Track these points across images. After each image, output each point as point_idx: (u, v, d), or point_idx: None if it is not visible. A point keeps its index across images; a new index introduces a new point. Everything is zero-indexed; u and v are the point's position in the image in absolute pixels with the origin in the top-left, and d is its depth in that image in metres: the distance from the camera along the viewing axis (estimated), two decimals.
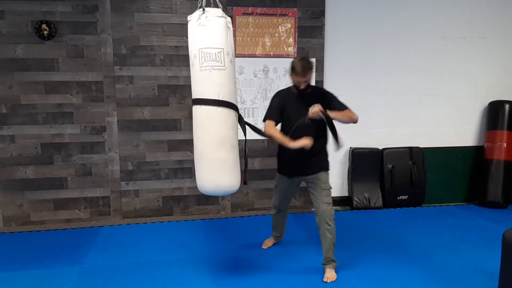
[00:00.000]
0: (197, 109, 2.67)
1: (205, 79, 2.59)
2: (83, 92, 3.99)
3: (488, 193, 4.65)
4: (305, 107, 2.80)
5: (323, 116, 2.76)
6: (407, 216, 4.37)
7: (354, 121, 2.90)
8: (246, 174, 2.86)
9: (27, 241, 3.70)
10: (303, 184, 3.19)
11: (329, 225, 2.92)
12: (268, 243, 3.54)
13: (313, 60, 4.32)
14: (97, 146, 4.08)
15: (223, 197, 4.36)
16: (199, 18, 2.57)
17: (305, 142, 2.74)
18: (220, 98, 2.59)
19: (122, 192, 4.18)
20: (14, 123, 3.91)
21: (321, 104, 2.79)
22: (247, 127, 2.85)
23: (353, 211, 4.54)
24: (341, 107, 2.89)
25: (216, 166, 2.65)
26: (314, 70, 2.93)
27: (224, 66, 2.57)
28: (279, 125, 3.01)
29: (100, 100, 4.03)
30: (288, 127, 2.89)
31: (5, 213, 4.00)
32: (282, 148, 2.99)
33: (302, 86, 2.85)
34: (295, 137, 2.81)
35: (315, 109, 2.75)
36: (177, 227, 4.03)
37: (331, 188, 3.01)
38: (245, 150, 2.87)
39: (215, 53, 2.55)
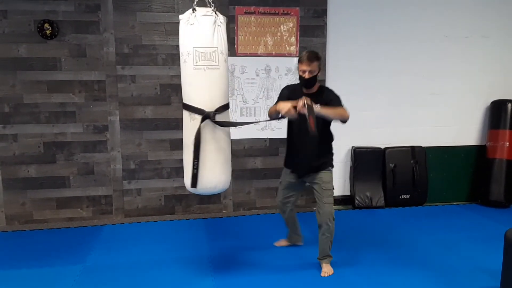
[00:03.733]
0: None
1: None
2: (86, 91, 4.00)
3: (491, 192, 4.64)
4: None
5: (306, 111, 2.63)
6: (409, 216, 4.36)
7: (344, 118, 2.81)
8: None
9: (30, 239, 3.71)
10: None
11: (328, 224, 2.95)
12: (280, 242, 3.52)
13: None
14: (99, 145, 4.09)
15: (225, 196, 4.37)
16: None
17: (284, 106, 2.71)
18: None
19: (124, 191, 4.19)
20: (16, 122, 3.92)
21: (322, 104, 2.74)
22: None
23: (355, 210, 4.54)
24: (337, 104, 2.83)
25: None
26: (320, 63, 2.89)
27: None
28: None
29: (103, 99, 4.03)
30: (289, 121, 2.95)
31: (8, 212, 4.01)
32: (288, 143, 3.09)
33: (306, 76, 2.81)
34: (295, 133, 2.95)
35: (300, 103, 2.66)
36: (179, 226, 4.04)
37: (333, 188, 3.02)
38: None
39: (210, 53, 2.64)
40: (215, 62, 2.62)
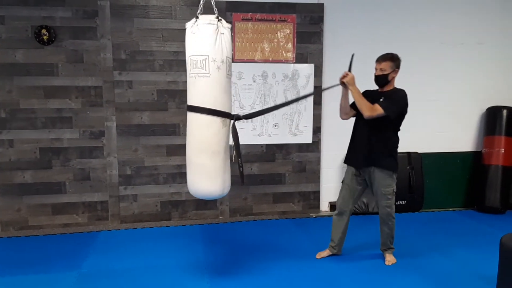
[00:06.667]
0: (188, 115, 2.74)
1: (191, 86, 2.64)
2: (82, 97, 4.00)
3: (486, 198, 4.65)
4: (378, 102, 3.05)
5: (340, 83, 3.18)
6: (406, 221, 4.36)
7: (361, 109, 3.02)
8: (242, 175, 2.96)
9: (25, 246, 3.69)
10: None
11: (388, 224, 3.26)
12: (322, 253, 3.43)
13: (311, 65, 4.36)
14: (95, 150, 4.08)
15: (221, 202, 4.36)
16: (192, 26, 2.59)
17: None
18: (204, 105, 2.60)
19: (121, 197, 4.18)
20: (13, 128, 3.92)
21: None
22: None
23: (351, 216, 4.52)
24: (384, 103, 3.00)
25: (196, 171, 2.70)
26: (395, 64, 3.07)
27: (208, 73, 2.56)
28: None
29: (99, 105, 4.04)
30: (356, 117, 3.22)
31: (3, 218, 3.99)
32: (351, 139, 3.28)
33: (376, 73, 3.10)
34: (354, 132, 3.23)
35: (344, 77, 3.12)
36: (175, 232, 4.02)
37: (394, 191, 3.19)
38: (236, 155, 2.90)
39: (200, 61, 2.55)
40: (206, 70, 2.58)
